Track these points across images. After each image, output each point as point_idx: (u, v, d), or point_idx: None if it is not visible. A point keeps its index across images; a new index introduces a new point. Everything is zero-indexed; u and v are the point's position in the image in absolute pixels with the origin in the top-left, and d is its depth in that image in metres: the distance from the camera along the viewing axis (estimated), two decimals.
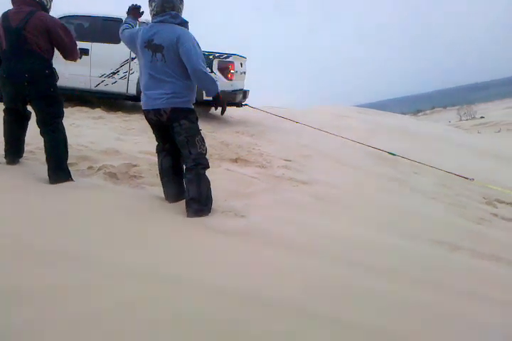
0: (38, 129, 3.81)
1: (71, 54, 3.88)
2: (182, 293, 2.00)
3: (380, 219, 4.00)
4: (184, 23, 3.43)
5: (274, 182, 4.98)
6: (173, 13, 3.36)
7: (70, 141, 4.80)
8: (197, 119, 3.52)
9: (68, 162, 4.22)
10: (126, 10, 3.92)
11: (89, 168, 4.26)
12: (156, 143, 3.77)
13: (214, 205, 3.57)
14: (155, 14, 3.38)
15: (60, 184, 3.53)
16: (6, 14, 3.68)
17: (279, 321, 1.85)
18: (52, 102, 3.79)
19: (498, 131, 27.95)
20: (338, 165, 6.76)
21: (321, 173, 5.66)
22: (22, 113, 3.96)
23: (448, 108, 57.44)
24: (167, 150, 3.67)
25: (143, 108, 3.50)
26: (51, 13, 3.93)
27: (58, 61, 3.95)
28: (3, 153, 3.93)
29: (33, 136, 4.78)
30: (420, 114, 57.37)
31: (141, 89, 3.51)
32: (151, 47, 3.33)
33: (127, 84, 7.86)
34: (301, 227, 3.41)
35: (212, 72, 7.50)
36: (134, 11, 3.90)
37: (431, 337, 1.96)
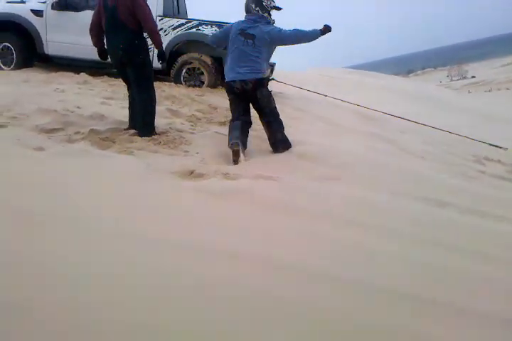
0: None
1: (147, 24, 4.38)
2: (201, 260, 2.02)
3: (367, 178, 4.01)
4: (271, 23, 4.65)
5: (264, 144, 4.97)
6: (260, 15, 4.58)
7: (54, 106, 4.77)
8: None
9: (54, 127, 4.20)
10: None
11: (76, 133, 4.21)
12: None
13: (206, 170, 3.60)
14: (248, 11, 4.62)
15: (49, 150, 3.50)
16: None
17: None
18: (141, 67, 4.51)
19: (489, 91, 27.90)
20: (328, 126, 6.74)
21: (311, 134, 5.63)
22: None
23: (439, 68, 56.93)
24: (239, 119, 4.63)
25: (228, 80, 4.62)
26: None
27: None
28: None
29: (15, 102, 4.72)
30: (411, 74, 56.87)
31: (228, 68, 4.65)
32: (244, 35, 4.52)
33: (152, 58, 7.61)
34: (295, 189, 3.41)
35: None
36: None
37: (440, 293, 2.01)
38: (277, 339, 1.53)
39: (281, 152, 4.52)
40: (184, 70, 7.64)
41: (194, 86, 7.60)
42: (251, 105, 4.77)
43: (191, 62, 7.55)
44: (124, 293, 1.63)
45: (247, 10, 4.64)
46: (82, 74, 7.45)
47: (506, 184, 5.06)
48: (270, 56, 4.94)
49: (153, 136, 4.41)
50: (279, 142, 4.59)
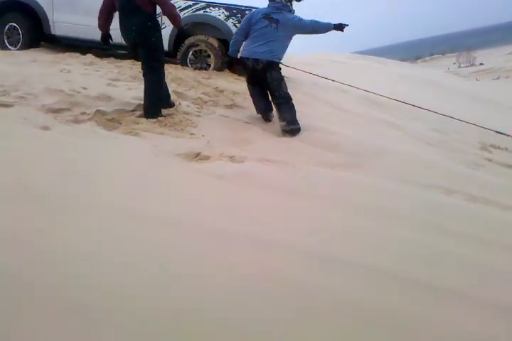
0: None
1: (165, 8, 4.44)
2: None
3: (377, 164, 4.01)
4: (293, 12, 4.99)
5: (271, 127, 4.95)
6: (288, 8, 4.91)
7: (61, 86, 4.74)
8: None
9: (60, 107, 4.19)
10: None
11: (83, 113, 4.19)
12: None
13: (212, 152, 3.60)
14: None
15: (55, 129, 3.50)
16: None
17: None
18: (152, 49, 4.54)
19: (497, 78, 27.61)
20: (337, 112, 6.70)
21: (318, 119, 5.60)
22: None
23: (447, 54, 56.25)
24: (253, 84, 5.06)
25: (242, 55, 4.92)
26: None
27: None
28: None
29: (23, 82, 4.70)
30: (419, 60, 56.22)
31: (246, 45, 4.96)
32: (268, 19, 4.79)
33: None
34: (300, 173, 3.41)
35: None
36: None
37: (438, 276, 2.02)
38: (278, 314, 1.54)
39: (290, 134, 4.70)
40: (191, 52, 7.53)
41: (200, 68, 7.52)
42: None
43: (198, 45, 7.45)
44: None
45: None
46: (88, 55, 7.39)
47: None
48: (288, 44, 5.04)
49: (158, 118, 4.40)
50: (289, 123, 4.76)
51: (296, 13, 5.10)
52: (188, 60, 7.57)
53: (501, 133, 6.49)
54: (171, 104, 4.85)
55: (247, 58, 4.83)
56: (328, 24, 4.83)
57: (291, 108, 4.87)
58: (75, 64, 6.54)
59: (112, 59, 7.38)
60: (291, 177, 3.27)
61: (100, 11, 4.58)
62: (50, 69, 5.86)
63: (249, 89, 5.21)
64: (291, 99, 4.92)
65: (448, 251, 2.33)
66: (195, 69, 7.50)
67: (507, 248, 2.51)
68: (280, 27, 4.75)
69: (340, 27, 4.84)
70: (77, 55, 7.41)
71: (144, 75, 4.61)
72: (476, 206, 3.40)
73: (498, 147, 6.30)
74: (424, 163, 4.37)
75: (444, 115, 6.62)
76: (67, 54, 7.41)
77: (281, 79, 4.88)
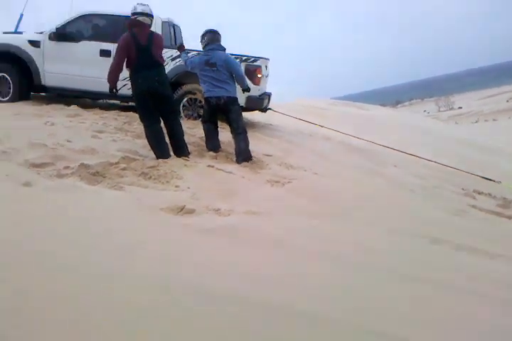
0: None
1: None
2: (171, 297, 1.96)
3: (361, 214, 4.00)
4: (224, 49, 5.76)
5: (256, 177, 4.96)
6: (218, 43, 5.73)
7: (44, 140, 4.74)
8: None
9: (43, 161, 4.16)
10: (177, 47, 6.78)
11: (66, 167, 4.16)
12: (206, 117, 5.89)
13: (198, 205, 3.58)
14: (206, 45, 5.69)
15: (37, 186, 3.44)
16: (134, 35, 5.03)
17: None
18: (172, 97, 5.64)
19: (476, 122, 28.34)
20: (318, 159, 6.76)
21: (302, 168, 5.64)
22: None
23: (426, 99, 57.87)
24: (210, 121, 5.82)
25: (206, 96, 5.68)
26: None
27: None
28: None
29: (6, 136, 4.69)
30: (399, 105, 57.70)
31: (205, 88, 5.67)
32: (209, 65, 5.55)
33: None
34: (284, 225, 3.38)
35: None
36: (181, 47, 6.48)
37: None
38: None
39: (242, 161, 5.40)
40: (185, 99, 7.61)
41: (190, 117, 7.57)
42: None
43: (195, 93, 7.48)
44: None
45: (212, 42, 5.75)
46: (73, 106, 7.44)
47: (497, 218, 5.06)
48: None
49: (143, 170, 4.43)
50: (242, 152, 5.52)
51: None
52: (181, 106, 7.61)
53: (488, 179, 6.58)
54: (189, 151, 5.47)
55: (211, 97, 5.63)
56: (246, 82, 5.92)
57: (246, 138, 5.64)
58: (59, 116, 6.56)
59: (97, 110, 7.43)
60: (277, 230, 3.23)
61: (116, 65, 5.08)
62: (34, 122, 5.88)
63: (204, 129, 5.90)
64: (246, 131, 5.73)
65: (445, 307, 2.29)
66: (186, 116, 7.55)
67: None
68: (220, 68, 5.54)
69: (248, 89, 5.94)
70: (62, 106, 7.45)
71: (171, 122, 5.36)
72: (463, 255, 3.38)
73: (482, 192, 6.36)
74: (407, 211, 4.39)
75: (426, 159, 6.71)
76: (51, 106, 7.45)
77: (240, 112, 5.79)
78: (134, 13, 5.15)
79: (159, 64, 5.22)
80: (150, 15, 5.21)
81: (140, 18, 5.12)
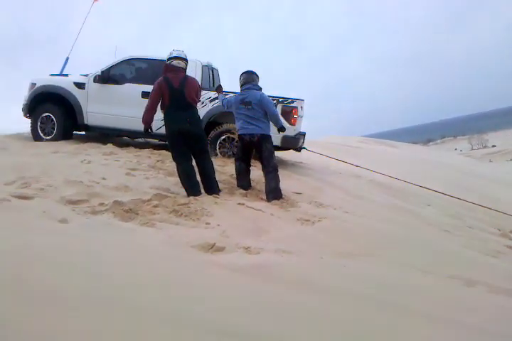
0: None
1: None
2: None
3: (393, 254, 3.94)
4: (260, 89, 5.95)
5: (286, 215, 4.95)
6: (254, 83, 5.94)
7: (80, 177, 4.88)
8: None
9: (79, 199, 4.28)
10: (215, 88, 7.33)
11: (101, 204, 4.26)
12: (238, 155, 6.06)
13: (228, 243, 3.59)
14: (242, 85, 5.94)
15: (72, 223, 3.53)
16: (167, 78, 5.31)
17: None
18: (205, 137, 5.82)
19: (511, 160, 27.79)
20: (349, 197, 6.72)
21: (333, 206, 5.62)
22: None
23: (458, 137, 57.29)
24: (242, 159, 5.96)
25: (240, 133, 5.87)
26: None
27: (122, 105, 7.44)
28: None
29: (44, 173, 4.85)
30: (431, 143, 57.23)
31: (239, 126, 5.87)
32: (244, 103, 5.78)
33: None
34: (315, 264, 3.36)
35: None
36: (219, 88, 6.96)
37: None
38: None
39: (272, 199, 5.48)
40: (223, 137, 7.85)
41: (225, 155, 7.77)
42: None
43: (233, 133, 7.69)
44: None
45: (247, 81, 6.00)
46: (108, 145, 7.70)
47: None
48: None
49: (175, 207, 4.50)
50: (272, 190, 5.60)
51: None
52: (217, 143, 7.87)
53: None
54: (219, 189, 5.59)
55: (244, 134, 5.81)
56: (281, 122, 5.96)
57: (276, 177, 5.69)
58: (96, 154, 6.78)
59: (131, 148, 7.65)
60: (307, 270, 3.20)
61: (150, 107, 5.40)
62: (71, 160, 6.08)
63: (236, 167, 6.01)
64: (277, 169, 5.78)
65: None
66: (221, 153, 7.80)
67: None
68: (255, 107, 5.75)
69: (283, 128, 5.95)
70: (98, 145, 7.71)
71: (202, 161, 5.54)
72: (500, 298, 3.27)
73: None
74: (441, 251, 4.29)
75: (461, 199, 6.59)
76: (88, 144, 7.71)
77: (273, 150, 5.90)
78: (169, 58, 5.45)
79: (192, 106, 5.44)
80: (184, 59, 5.48)
81: (174, 62, 5.41)
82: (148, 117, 5.43)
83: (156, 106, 5.41)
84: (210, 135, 7.83)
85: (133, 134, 8.33)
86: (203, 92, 7.90)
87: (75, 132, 8.80)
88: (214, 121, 7.92)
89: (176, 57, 5.44)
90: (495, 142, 43.70)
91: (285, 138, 7.47)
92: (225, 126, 7.80)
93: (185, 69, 5.52)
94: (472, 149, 43.14)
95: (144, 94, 7.65)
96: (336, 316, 2.44)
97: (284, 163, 8.57)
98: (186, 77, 5.43)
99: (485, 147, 42.67)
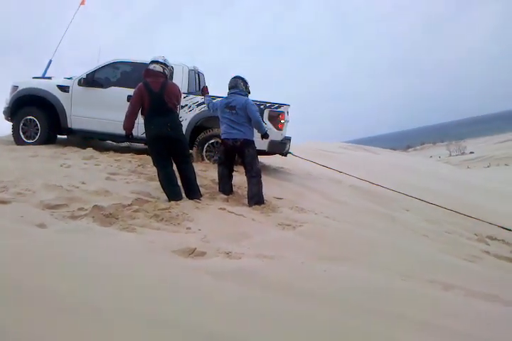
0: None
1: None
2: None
3: (373, 258, 3.97)
4: (246, 94, 6.02)
5: (267, 220, 4.97)
6: (240, 88, 5.98)
7: (60, 181, 4.83)
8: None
9: (58, 203, 4.23)
10: (200, 91, 7.38)
11: (80, 209, 4.21)
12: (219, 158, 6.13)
13: (209, 248, 3.58)
14: (229, 89, 6.01)
15: (51, 227, 3.49)
16: (146, 83, 5.31)
17: None
18: (186, 142, 5.76)
19: (488, 166, 28.29)
20: (330, 202, 6.77)
21: (314, 211, 5.65)
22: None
23: (437, 144, 58.11)
24: (225, 164, 5.97)
25: (223, 137, 5.90)
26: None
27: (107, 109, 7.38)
28: None
29: (22, 177, 4.79)
30: (410, 149, 57.94)
31: (223, 130, 5.92)
32: (229, 108, 5.82)
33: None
34: (296, 269, 3.36)
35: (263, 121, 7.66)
36: (204, 89, 6.92)
37: None
38: None
39: (254, 204, 5.50)
40: (211, 141, 7.83)
41: (210, 159, 7.80)
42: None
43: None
44: None
45: (234, 86, 6.04)
46: (88, 149, 7.62)
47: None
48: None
49: (155, 212, 4.48)
50: (255, 196, 5.63)
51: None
52: (205, 147, 7.89)
53: (506, 229, 6.47)
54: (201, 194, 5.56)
55: (227, 139, 5.84)
56: (264, 128, 6.02)
57: (259, 182, 5.73)
58: (75, 158, 6.72)
59: (111, 153, 7.59)
60: (288, 274, 3.20)
61: (130, 113, 5.38)
62: (51, 164, 6.01)
63: (218, 172, 6.03)
64: (261, 176, 5.81)
65: None
66: (207, 156, 7.85)
67: None
68: (239, 112, 5.79)
69: (266, 135, 6.03)
70: (78, 149, 7.63)
71: (183, 165, 5.49)
72: (478, 302, 3.31)
73: (495, 238, 6.29)
74: (419, 255, 4.34)
75: (440, 206, 6.68)
76: (67, 148, 7.63)
77: (255, 156, 5.90)
78: (149, 63, 5.50)
79: (172, 111, 5.42)
80: (162, 63, 5.47)
81: (150, 66, 5.43)
82: (129, 123, 5.42)
83: (137, 112, 5.40)
84: (199, 137, 7.85)
85: (118, 138, 8.22)
86: (189, 97, 7.91)
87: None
88: (201, 125, 7.92)
89: (152, 62, 5.47)
90: (473, 149, 44.44)
91: (272, 143, 7.48)
92: (215, 131, 7.75)
93: (165, 74, 5.49)
94: (450, 156, 43.78)
95: (130, 98, 7.60)
96: (316, 320, 2.46)
97: (266, 168, 8.58)
98: (166, 82, 5.41)
99: (463, 154, 43.35)
